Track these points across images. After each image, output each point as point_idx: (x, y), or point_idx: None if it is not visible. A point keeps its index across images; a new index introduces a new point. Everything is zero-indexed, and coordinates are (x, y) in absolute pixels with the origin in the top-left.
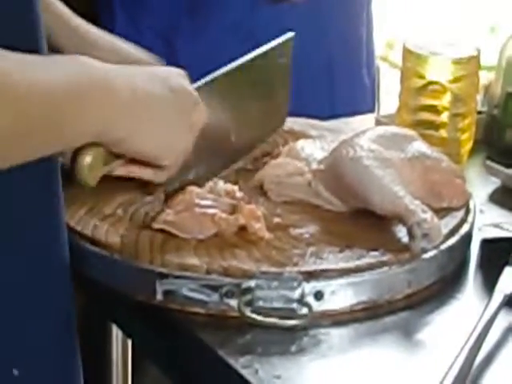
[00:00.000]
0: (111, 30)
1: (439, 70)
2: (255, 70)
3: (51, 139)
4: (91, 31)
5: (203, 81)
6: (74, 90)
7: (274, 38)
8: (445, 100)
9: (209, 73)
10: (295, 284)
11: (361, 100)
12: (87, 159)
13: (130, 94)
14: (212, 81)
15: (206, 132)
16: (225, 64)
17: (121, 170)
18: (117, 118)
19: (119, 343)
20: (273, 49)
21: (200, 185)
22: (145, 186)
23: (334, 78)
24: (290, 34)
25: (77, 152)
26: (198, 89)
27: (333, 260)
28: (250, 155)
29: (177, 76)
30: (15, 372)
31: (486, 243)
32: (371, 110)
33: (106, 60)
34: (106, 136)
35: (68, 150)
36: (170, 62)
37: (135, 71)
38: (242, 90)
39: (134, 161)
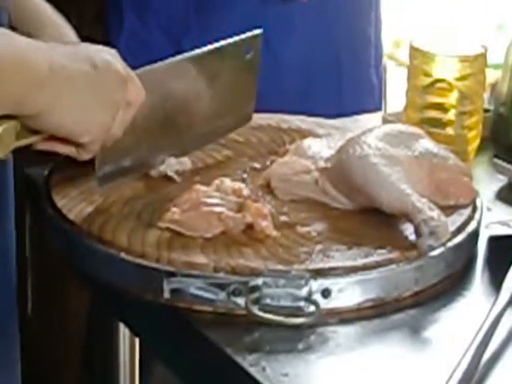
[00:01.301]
0: (120, 28)
1: (446, 68)
2: (216, 62)
3: None
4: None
5: (154, 65)
6: None
7: (283, 37)
8: (452, 98)
9: None
10: (302, 282)
11: (368, 99)
12: None
13: (47, 68)
14: (163, 66)
15: (148, 116)
16: None
17: (43, 144)
18: (32, 92)
19: (126, 342)
20: (238, 43)
21: (141, 171)
22: (150, 186)
23: (341, 77)
24: (258, 31)
25: None
26: (145, 72)
27: (340, 258)
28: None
29: (104, 54)
30: None
31: (493, 241)
32: (378, 109)
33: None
34: (21, 109)
35: None
36: None
37: (58, 47)
38: (199, 78)
39: (53, 137)
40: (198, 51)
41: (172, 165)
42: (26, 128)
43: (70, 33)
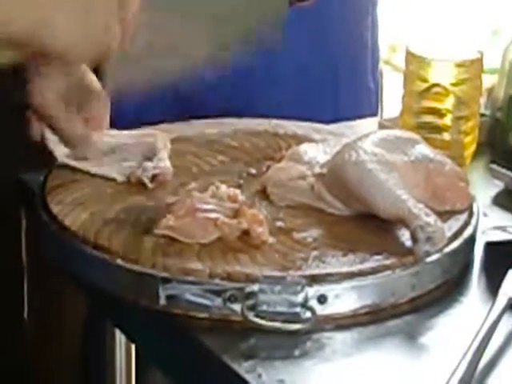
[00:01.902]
0: None
1: (442, 73)
2: None
3: None
4: None
5: None
6: None
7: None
8: (448, 103)
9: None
10: (298, 288)
11: (365, 104)
12: None
13: None
14: None
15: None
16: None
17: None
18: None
19: (123, 348)
20: None
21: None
22: (146, 191)
23: (338, 82)
24: None
25: None
26: None
27: (336, 264)
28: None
29: None
30: None
31: (490, 246)
32: (375, 114)
33: None
34: (19, 23)
35: None
36: None
37: None
38: None
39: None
40: None
41: (148, 170)
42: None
43: None
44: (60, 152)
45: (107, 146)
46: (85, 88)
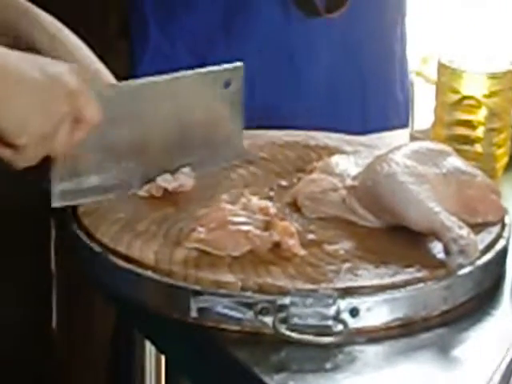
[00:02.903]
0: (144, 43)
1: (474, 85)
2: (193, 88)
3: None
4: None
5: (132, 82)
6: None
7: (307, 53)
8: (480, 115)
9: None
10: (330, 301)
11: (394, 115)
12: None
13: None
14: (139, 84)
15: (121, 134)
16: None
17: None
18: None
19: (152, 359)
20: (218, 73)
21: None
22: (177, 203)
23: (366, 94)
24: (239, 64)
25: None
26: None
27: (368, 276)
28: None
29: (59, 67)
30: None
31: None
32: (405, 126)
33: None
34: None
35: None
36: None
37: (14, 53)
38: (173, 102)
39: None
40: (174, 74)
41: (168, 181)
42: None
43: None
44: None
45: None
46: None
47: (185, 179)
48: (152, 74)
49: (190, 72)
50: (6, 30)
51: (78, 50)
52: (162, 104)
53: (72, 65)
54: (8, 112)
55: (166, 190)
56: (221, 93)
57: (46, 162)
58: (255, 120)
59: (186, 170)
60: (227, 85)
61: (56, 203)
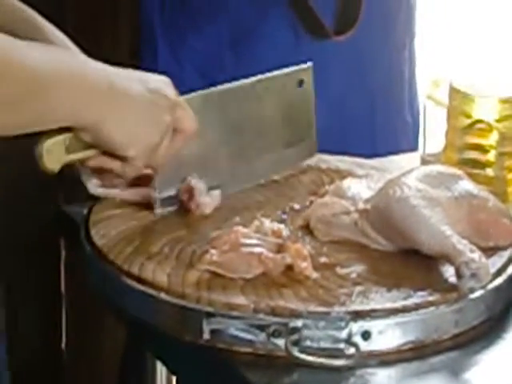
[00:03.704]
0: (154, 65)
1: (486, 109)
2: (267, 91)
3: (33, 114)
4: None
5: (205, 92)
6: (56, 72)
7: (316, 75)
8: (491, 139)
9: None
10: (342, 324)
11: (403, 138)
12: (48, 142)
13: (107, 85)
14: (216, 93)
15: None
16: None
17: (92, 161)
18: (88, 103)
19: (163, 380)
20: (290, 74)
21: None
22: (190, 225)
23: (375, 116)
24: (309, 64)
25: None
26: (192, 99)
27: (380, 300)
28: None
29: (156, 80)
30: None
31: None
32: (414, 149)
33: None
34: (77, 120)
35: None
36: None
37: (114, 69)
38: (250, 108)
39: (104, 154)
40: (247, 80)
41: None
42: (77, 142)
43: None
44: (92, 184)
45: None
46: None
47: (212, 199)
48: None
49: (263, 76)
50: None
51: None
52: (245, 108)
53: (165, 78)
54: (119, 127)
55: (186, 206)
56: (295, 92)
57: (60, 182)
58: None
59: (216, 192)
60: (300, 84)
61: (159, 210)
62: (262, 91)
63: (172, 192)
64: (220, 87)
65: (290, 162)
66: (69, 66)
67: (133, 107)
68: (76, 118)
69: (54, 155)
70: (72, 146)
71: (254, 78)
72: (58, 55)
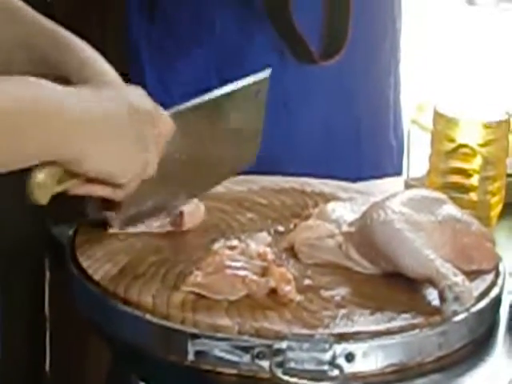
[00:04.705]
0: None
1: (470, 134)
2: (231, 104)
3: (13, 154)
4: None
5: (176, 108)
6: (26, 108)
7: (301, 99)
8: (475, 163)
9: None
10: (326, 346)
11: (387, 162)
12: (38, 176)
13: (83, 113)
14: (183, 110)
15: (166, 162)
16: None
17: (80, 189)
18: (68, 136)
19: None
20: (251, 85)
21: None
22: (176, 247)
23: (360, 140)
24: (268, 71)
25: (32, 169)
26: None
27: (364, 322)
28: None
29: (139, 96)
30: None
31: None
32: (398, 173)
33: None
34: (60, 154)
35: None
36: None
37: (89, 92)
38: (215, 122)
39: (91, 180)
40: (210, 94)
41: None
42: (67, 173)
43: (111, 70)
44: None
45: None
46: None
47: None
48: None
49: (224, 88)
50: (32, 52)
51: (105, 75)
52: (204, 123)
53: (138, 88)
54: (104, 157)
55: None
56: (253, 102)
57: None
58: (252, 167)
59: (195, 200)
60: (257, 94)
61: (121, 228)
62: (226, 104)
63: (135, 210)
64: (185, 104)
65: (232, 173)
66: (44, 106)
67: (114, 132)
68: (57, 154)
69: (44, 189)
70: (63, 177)
71: (217, 92)
72: (31, 94)
